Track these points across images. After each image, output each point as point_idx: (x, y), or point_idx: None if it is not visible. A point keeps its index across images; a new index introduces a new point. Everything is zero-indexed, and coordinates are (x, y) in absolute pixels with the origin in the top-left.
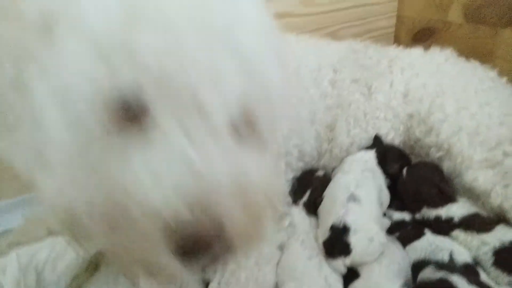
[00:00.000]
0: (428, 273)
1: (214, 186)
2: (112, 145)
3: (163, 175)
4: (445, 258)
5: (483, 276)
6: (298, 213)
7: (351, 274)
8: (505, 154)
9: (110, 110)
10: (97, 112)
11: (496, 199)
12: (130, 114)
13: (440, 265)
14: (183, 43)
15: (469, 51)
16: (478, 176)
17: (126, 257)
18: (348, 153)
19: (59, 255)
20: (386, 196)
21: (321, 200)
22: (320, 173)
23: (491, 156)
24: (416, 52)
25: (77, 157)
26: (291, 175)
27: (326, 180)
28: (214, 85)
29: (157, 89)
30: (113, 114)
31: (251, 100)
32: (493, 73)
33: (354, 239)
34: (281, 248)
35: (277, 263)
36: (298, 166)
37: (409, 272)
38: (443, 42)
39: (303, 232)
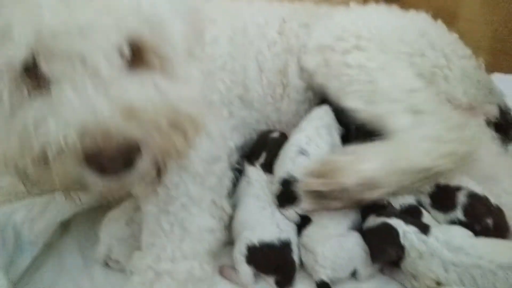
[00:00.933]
0: (371, 221)
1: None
2: (23, 105)
3: (59, 116)
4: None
5: (426, 216)
6: (255, 171)
7: (305, 221)
8: (338, 40)
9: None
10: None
11: (319, 78)
12: (35, 81)
13: (381, 211)
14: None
15: (433, 13)
16: (308, 59)
17: (55, 182)
18: (305, 96)
19: (37, 216)
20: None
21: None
22: (275, 134)
23: (321, 44)
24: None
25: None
26: (232, 122)
27: (281, 140)
28: (94, 39)
29: (49, 53)
30: (22, 81)
31: (142, 38)
32: (425, 15)
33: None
34: (212, 191)
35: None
36: (242, 114)
37: (358, 216)
38: (409, 4)
39: (259, 187)
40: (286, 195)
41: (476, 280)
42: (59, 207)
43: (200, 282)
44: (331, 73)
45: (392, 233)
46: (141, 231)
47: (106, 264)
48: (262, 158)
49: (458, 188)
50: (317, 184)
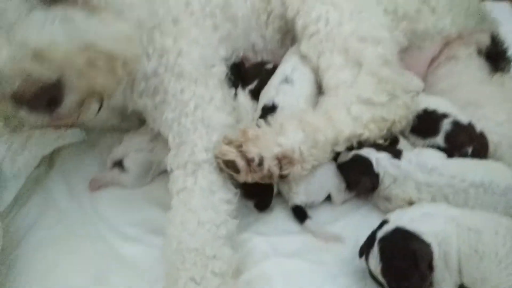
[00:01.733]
0: (343, 156)
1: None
2: None
3: None
4: None
5: (403, 142)
6: (244, 96)
7: None
8: None
9: None
10: None
11: (291, 12)
12: None
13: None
14: None
15: None
16: None
17: None
18: (289, 26)
19: (18, 151)
20: None
21: None
22: (269, 66)
23: None
24: None
25: None
26: (218, 34)
27: (273, 72)
28: None
29: None
30: None
31: None
32: None
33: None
34: (218, 90)
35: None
36: (227, 27)
37: None
38: None
39: (244, 111)
40: (264, 119)
41: (448, 198)
42: (39, 143)
43: None
44: (303, 9)
45: (366, 163)
46: (161, 151)
47: (113, 167)
48: (252, 85)
49: (444, 115)
50: (232, 154)
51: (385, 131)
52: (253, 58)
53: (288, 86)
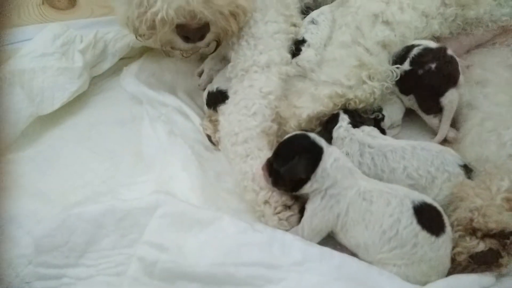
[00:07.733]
0: None
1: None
2: None
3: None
4: None
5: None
6: None
7: None
8: None
9: None
10: None
11: None
12: None
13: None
14: None
15: None
16: None
17: (156, 41)
18: None
19: (119, 38)
20: None
21: None
22: None
23: None
24: None
25: None
26: None
27: None
28: None
29: None
30: None
31: None
32: None
33: (304, 49)
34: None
35: None
36: None
37: None
38: None
39: None
40: (295, 54)
41: (386, 156)
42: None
43: None
44: None
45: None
46: None
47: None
48: None
49: (417, 45)
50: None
51: (339, 106)
52: None
53: (315, 26)
